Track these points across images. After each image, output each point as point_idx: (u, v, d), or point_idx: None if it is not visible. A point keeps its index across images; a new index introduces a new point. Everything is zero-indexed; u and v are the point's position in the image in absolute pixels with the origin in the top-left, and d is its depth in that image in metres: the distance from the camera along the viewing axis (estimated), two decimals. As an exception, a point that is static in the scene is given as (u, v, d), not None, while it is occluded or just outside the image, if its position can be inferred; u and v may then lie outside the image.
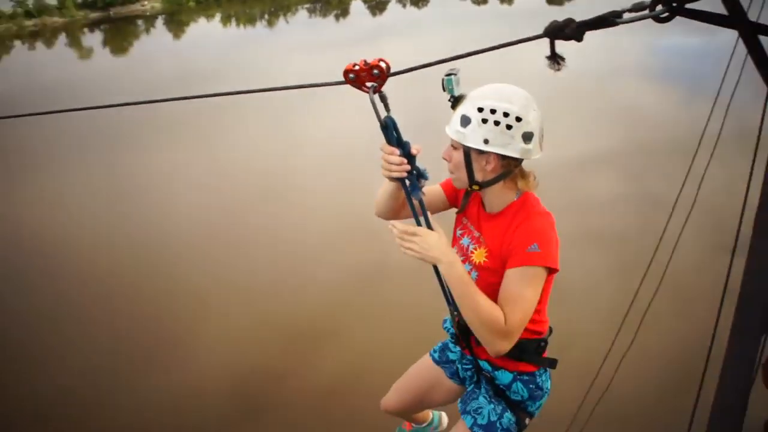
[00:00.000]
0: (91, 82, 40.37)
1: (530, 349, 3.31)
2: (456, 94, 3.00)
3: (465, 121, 2.94)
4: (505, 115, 2.87)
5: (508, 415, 3.45)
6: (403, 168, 2.93)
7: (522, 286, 2.95)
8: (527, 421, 3.51)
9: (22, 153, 25.80)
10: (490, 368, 3.48)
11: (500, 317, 2.89)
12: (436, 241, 2.91)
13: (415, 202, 3.01)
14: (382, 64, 2.72)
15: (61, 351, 12.27)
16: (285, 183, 19.75)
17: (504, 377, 3.44)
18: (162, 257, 15.94)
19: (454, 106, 3.02)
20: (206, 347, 12.01)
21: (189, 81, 28.51)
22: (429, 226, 3.02)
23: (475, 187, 3.12)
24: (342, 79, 2.77)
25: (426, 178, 3.06)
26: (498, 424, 3.43)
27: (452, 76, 2.97)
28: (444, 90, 2.99)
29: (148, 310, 13.36)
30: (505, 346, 2.95)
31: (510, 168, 3.03)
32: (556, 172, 13.71)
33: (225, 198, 19.77)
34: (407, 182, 3.04)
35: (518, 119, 2.87)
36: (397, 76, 2.72)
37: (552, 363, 3.44)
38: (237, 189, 20.29)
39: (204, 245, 16.37)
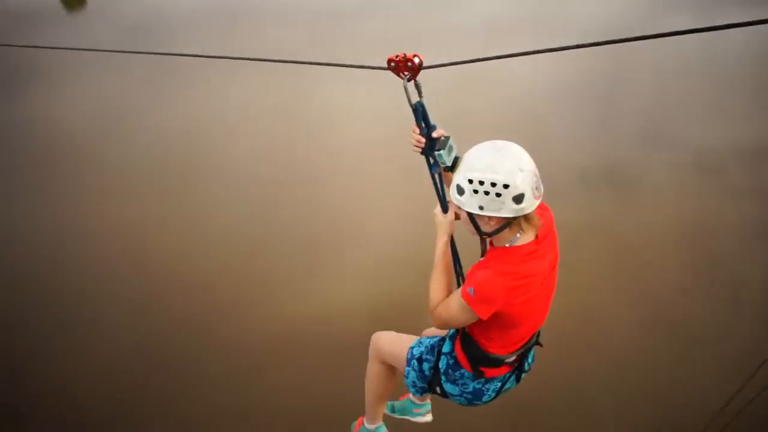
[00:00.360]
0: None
1: (474, 354, 3.97)
2: (450, 163, 3.42)
3: (460, 191, 3.35)
4: (493, 185, 3.20)
5: (429, 365, 4.28)
6: (420, 145, 3.60)
7: (454, 302, 3.67)
8: (437, 390, 4.30)
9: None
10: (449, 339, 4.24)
11: (435, 300, 3.78)
12: (440, 219, 3.85)
13: (436, 178, 3.74)
14: (416, 60, 3.22)
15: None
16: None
17: (446, 346, 4.20)
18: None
19: (452, 170, 3.43)
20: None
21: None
22: (443, 200, 3.78)
23: (485, 236, 3.61)
24: (385, 65, 3.33)
25: (439, 165, 3.49)
26: (419, 360, 4.33)
27: (442, 151, 3.38)
28: (437, 162, 3.49)
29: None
30: (432, 319, 3.84)
31: (510, 221, 3.39)
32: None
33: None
34: (430, 159, 3.65)
35: (506, 186, 3.20)
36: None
37: (479, 374, 4.03)
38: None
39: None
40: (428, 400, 5.58)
